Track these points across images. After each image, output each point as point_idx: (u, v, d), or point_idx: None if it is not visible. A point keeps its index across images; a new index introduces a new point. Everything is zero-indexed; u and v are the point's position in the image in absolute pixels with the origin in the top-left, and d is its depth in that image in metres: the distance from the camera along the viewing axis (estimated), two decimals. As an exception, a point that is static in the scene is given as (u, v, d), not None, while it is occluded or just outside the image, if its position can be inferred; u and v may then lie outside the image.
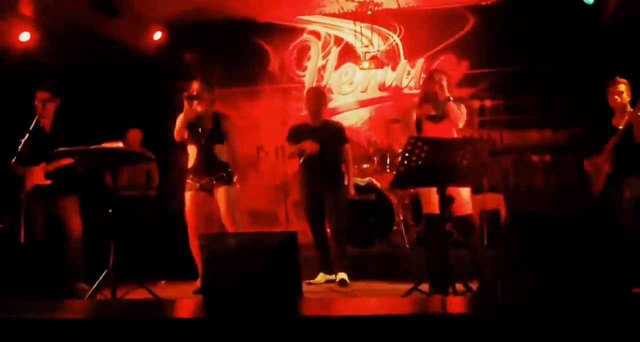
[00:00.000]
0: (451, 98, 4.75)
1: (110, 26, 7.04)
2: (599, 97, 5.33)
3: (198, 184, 5.12)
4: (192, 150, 5.19)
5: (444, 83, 4.78)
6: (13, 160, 5.11)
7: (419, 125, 4.81)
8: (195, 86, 5.14)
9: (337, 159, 5.81)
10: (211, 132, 5.17)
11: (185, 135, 5.14)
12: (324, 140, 5.70)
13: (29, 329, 2.75)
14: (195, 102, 5.04)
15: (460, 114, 4.75)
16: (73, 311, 3.37)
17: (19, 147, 5.06)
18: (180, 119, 5.05)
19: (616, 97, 5.11)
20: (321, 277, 5.77)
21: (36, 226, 5.25)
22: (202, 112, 5.14)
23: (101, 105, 7.21)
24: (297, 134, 5.83)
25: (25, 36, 6.71)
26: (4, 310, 3.13)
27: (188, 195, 5.15)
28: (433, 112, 4.83)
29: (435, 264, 4.53)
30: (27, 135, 5.12)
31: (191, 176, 5.16)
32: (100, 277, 4.53)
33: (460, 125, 4.79)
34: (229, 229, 5.10)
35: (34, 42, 6.77)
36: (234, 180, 5.18)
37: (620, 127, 5.07)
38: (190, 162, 5.19)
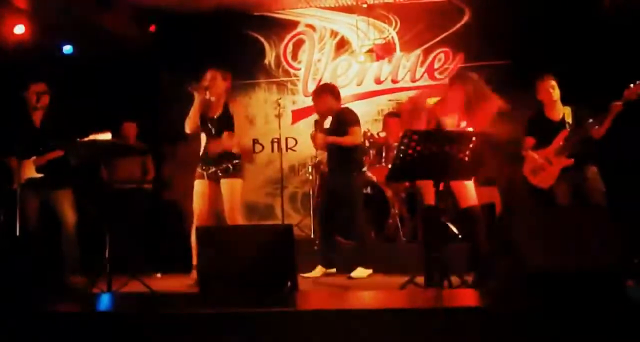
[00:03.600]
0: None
1: (104, 17, 7.01)
2: (598, 91, 5.39)
3: (205, 173, 5.11)
4: (203, 139, 5.19)
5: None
6: (6, 153, 5.11)
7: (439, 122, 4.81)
8: (208, 75, 5.13)
9: (344, 150, 5.74)
10: (219, 121, 5.13)
11: (198, 126, 5.13)
12: (330, 134, 5.75)
13: (24, 322, 2.74)
14: (207, 91, 5.03)
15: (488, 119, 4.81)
16: (68, 304, 3.37)
17: (12, 140, 5.06)
18: (192, 110, 5.05)
19: (550, 90, 5.31)
20: (319, 270, 5.76)
21: (31, 218, 5.24)
22: (213, 101, 5.13)
23: (95, 98, 7.18)
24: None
25: (19, 29, 6.68)
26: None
27: (196, 183, 5.15)
28: (458, 118, 4.83)
29: (431, 257, 4.55)
30: (19, 128, 5.12)
31: (200, 165, 5.16)
32: (96, 270, 4.53)
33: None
34: (228, 221, 5.09)
35: (29, 35, 6.73)
36: (241, 171, 5.14)
37: (568, 120, 5.27)
38: (201, 150, 5.19)
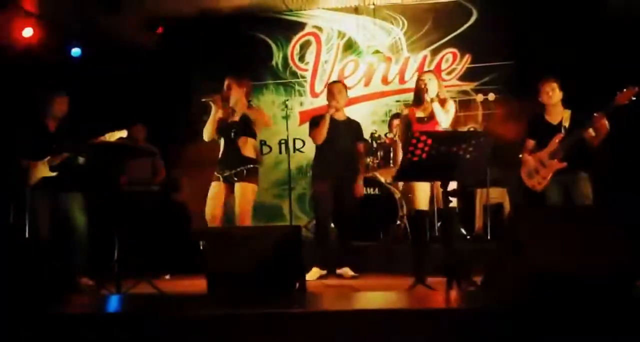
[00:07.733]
0: (435, 99, 4.90)
1: (113, 21, 7.04)
2: (604, 90, 5.35)
3: (221, 176, 5.18)
4: (221, 143, 5.30)
5: (431, 84, 4.93)
6: (18, 154, 5.14)
7: (409, 126, 4.98)
8: (227, 83, 5.25)
9: (354, 155, 5.92)
10: (237, 126, 5.22)
11: (215, 134, 5.26)
12: (346, 135, 5.86)
13: (33, 324, 2.76)
14: (227, 102, 5.18)
15: (445, 115, 4.89)
16: (77, 306, 3.38)
17: (23, 141, 5.10)
18: (210, 120, 5.21)
19: (550, 93, 5.26)
20: (315, 272, 5.77)
21: (40, 220, 5.26)
22: (232, 107, 5.24)
23: (104, 101, 7.21)
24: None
25: (27, 32, 6.72)
26: (9, 305, 3.14)
27: (212, 185, 5.23)
28: (421, 114, 4.98)
29: (421, 258, 4.84)
30: (31, 129, 5.14)
31: (218, 168, 5.25)
32: (105, 272, 4.55)
33: (445, 125, 4.93)
34: (237, 224, 5.14)
35: (37, 38, 6.77)
36: (255, 176, 5.23)
37: (565, 124, 5.22)
38: (220, 154, 5.29)
